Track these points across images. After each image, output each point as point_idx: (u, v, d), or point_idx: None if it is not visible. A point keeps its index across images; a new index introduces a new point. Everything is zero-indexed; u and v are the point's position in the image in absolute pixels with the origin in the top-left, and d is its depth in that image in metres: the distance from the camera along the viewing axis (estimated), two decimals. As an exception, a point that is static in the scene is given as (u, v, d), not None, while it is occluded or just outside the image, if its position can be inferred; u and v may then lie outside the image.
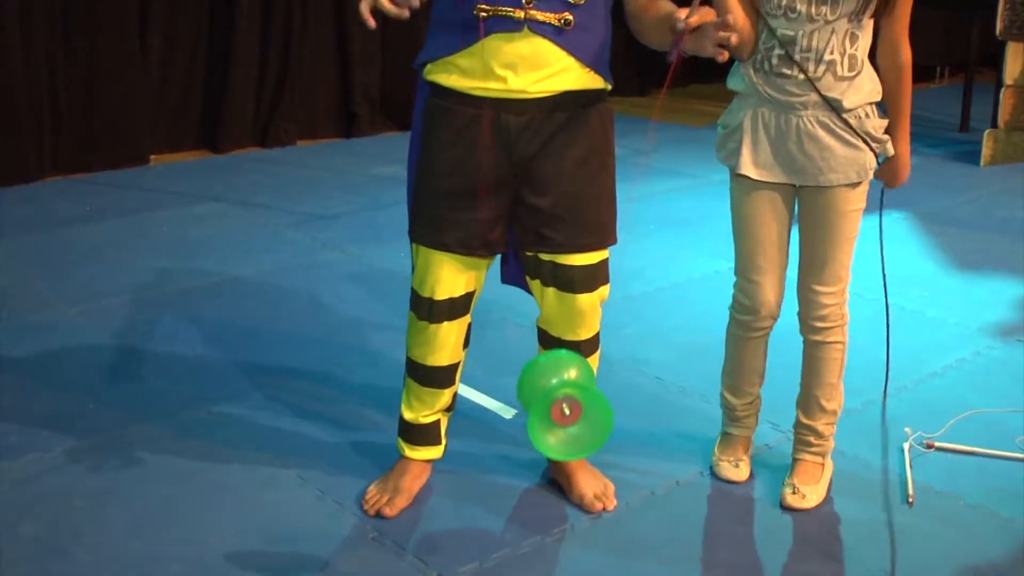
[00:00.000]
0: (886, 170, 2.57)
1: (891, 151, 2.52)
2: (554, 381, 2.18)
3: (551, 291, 2.45)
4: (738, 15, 2.35)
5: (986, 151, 6.04)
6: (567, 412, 2.13)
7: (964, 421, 3.02)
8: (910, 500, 2.66)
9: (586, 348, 2.51)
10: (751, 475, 2.76)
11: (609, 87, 2.39)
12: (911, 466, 2.80)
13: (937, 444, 2.90)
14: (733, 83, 2.54)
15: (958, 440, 2.93)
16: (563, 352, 2.33)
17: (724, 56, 2.06)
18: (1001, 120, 6.03)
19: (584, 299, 2.44)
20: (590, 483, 2.62)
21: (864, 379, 3.28)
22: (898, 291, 4.04)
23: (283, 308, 3.80)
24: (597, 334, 2.55)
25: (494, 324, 3.58)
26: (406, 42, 6.44)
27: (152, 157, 5.75)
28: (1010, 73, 5.95)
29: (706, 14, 2.04)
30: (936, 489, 2.72)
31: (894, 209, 5.10)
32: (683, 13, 2.03)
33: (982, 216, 5.10)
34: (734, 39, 2.09)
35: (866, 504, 2.65)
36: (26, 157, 5.23)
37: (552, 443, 2.19)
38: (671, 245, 4.49)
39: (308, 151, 6.14)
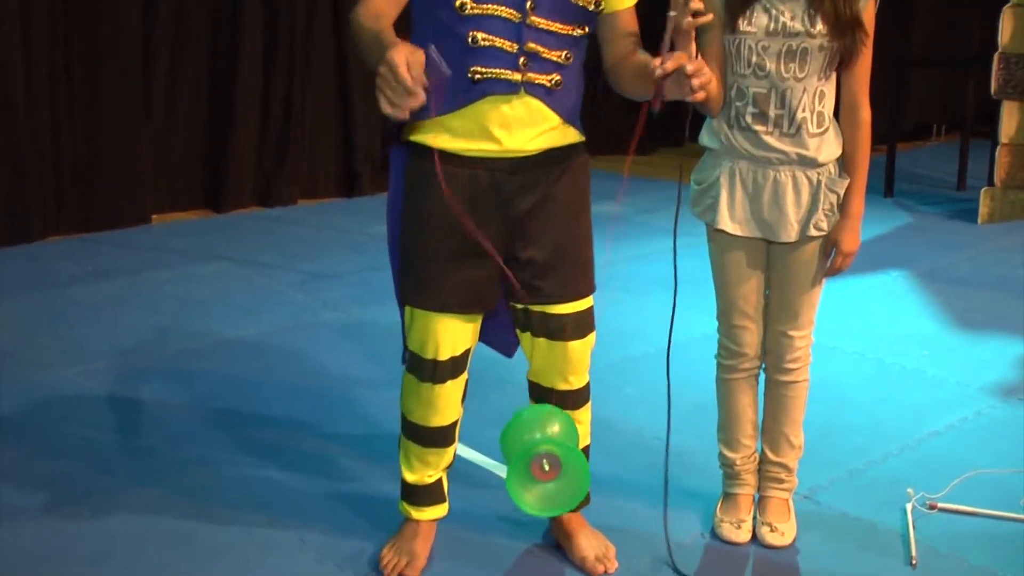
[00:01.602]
0: (838, 228, 2.58)
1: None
2: (536, 436, 2.19)
3: (542, 341, 2.48)
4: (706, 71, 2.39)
5: (983, 209, 6.07)
6: (546, 468, 2.15)
7: (967, 482, 3.01)
8: (913, 562, 2.64)
9: (579, 397, 2.55)
10: (753, 536, 2.75)
11: (584, 139, 2.44)
12: (914, 527, 2.78)
13: (940, 505, 2.89)
14: (706, 140, 2.61)
15: (961, 501, 2.91)
16: (547, 407, 2.36)
17: (702, 96, 2.10)
18: (997, 178, 6.07)
19: (575, 346, 2.48)
20: (592, 545, 2.61)
21: (865, 439, 3.27)
22: (899, 350, 4.05)
23: (283, 368, 3.80)
24: (588, 383, 2.59)
25: (490, 381, 3.58)
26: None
27: (154, 216, 5.78)
28: (1005, 132, 6.00)
29: (679, 58, 2.07)
30: (939, 551, 2.70)
31: (894, 267, 5.12)
32: (658, 61, 2.07)
33: (981, 274, 5.11)
34: (707, 85, 2.11)
35: (869, 565, 2.63)
36: (29, 217, 5.26)
37: (529, 499, 2.20)
38: (669, 305, 4.49)
39: (310, 210, 6.17)
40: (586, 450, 2.63)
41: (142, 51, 5.64)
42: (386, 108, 1.90)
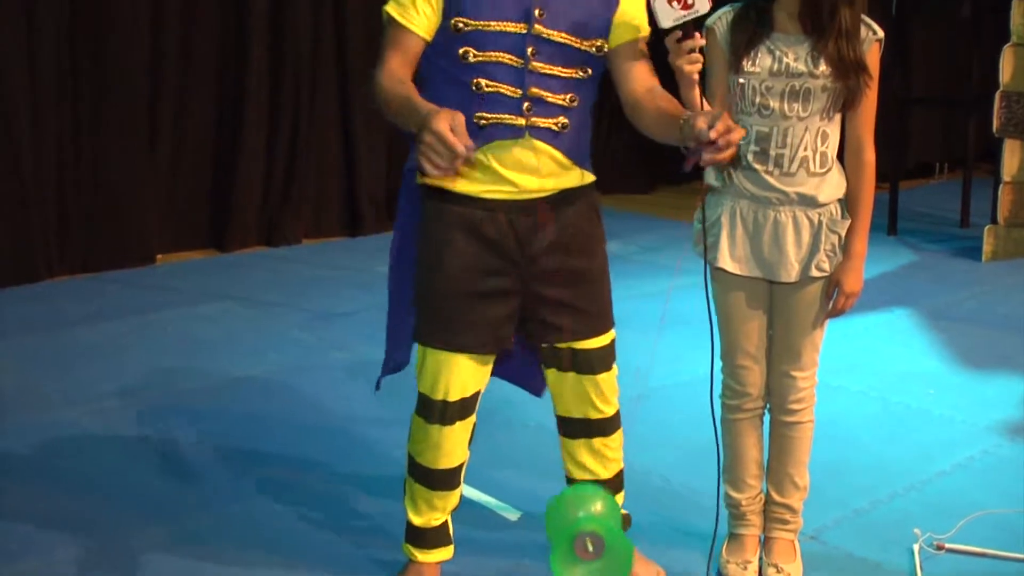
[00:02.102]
0: (841, 268, 2.59)
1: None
2: (580, 515, 2.20)
3: (570, 376, 2.51)
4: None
5: (987, 247, 6.08)
6: (590, 548, 2.16)
7: (974, 522, 2.99)
8: (922, 603, 2.63)
9: (610, 424, 2.58)
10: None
11: (594, 179, 2.47)
12: (921, 568, 2.76)
13: (948, 545, 2.87)
14: (711, 178, 2.62)
15: (968, 541, 2.90)
16: (590, 487, 2.39)
17: (730, 155, 2.09)
18: (1001, 216, 6.08)
19: (603, 378, 2.52)
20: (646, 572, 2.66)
21: (871, 478, 3.26)
22: (904, 388, 4.04)
23: (289, 408, 3.80)
24: (618, 411, 2.61)
25: (497, 423, 3.57)
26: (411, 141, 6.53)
27: (159, 256, 5.79)
28: (1007, 170, 6.02)
29: (726, 119, 2.05)
30: (948, 592, 2.69)
31: (898, 306, 5.12)
32: (702, 122, 2.04)
33: (986, 312, 5.11)
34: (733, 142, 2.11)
35: (878, 608, 2.62)
36: (34, 256, 5.27)
37: None
38: (678, 344, 4.49)
39: (314, 250, 6.19)
40: (620, 473, 2.66)
41: (148, 91, 5.67)
42: (433, 172, 1.93)
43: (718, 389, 2.75)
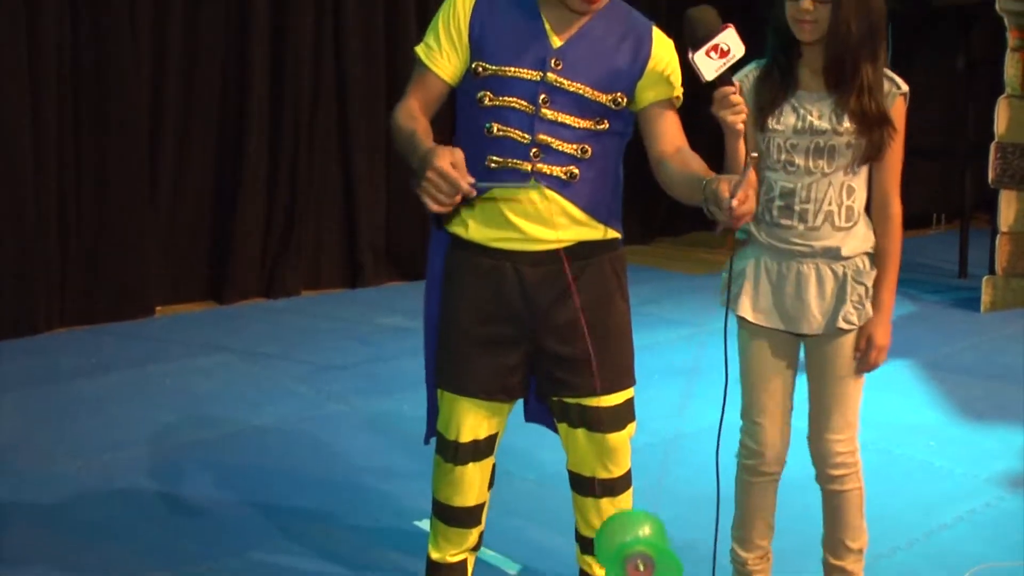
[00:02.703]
0: (870, 321, 2.58)
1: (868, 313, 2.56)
2: (629, 538, 2.20)
3: (580, 432, 2.50)
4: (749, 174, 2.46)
5: (986, 297, 6.08)
6: (641, 568, 2.15)
7: (978, 575, 2.97)
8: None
9: (619, 485, 2.56)
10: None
11: (619, 236, 2.48)
12: (926, 623, 2.74)
13: (951, 600, 2.85)
14: (739, 234, 2.63)
15: (972, 595, 2.87)
16: (640, 512, 2.37)
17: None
18: (999, 267, 6.10)
19: (613, 438, 2.50)
20: None
21: (873, 532, 3.20)
22: (905, 440, 4.02)
23: (288, 460, 3.78)
24: (629, 471, 2.59)
25: (497, 473, 3.55)
26: (410, 193, 6.54)
27: (157, 308, 5.79)
28: (1004, 220, 6.04)
29: (749, 186, 2.07)
30: (953, 647, 2.66)
31: (898, 357, 5.11)
32: (724, 189, 2.06)
33: (985, 363, 5.10)
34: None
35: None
36: (33, 309, 5.27)
37: None
38: (675, 395, 4.48)
39: (313, 301, 6.19)
40: None
41: (148, 144, 5.71)
42: (433, 207, 2.02)
43: (725, 441, 2.71)
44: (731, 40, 2.21)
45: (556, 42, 2.33)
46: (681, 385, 4.62)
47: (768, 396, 2.62)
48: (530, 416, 2.70)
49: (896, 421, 4.25)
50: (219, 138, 6.02)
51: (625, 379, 2.49)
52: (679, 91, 2.43)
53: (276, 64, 6.10)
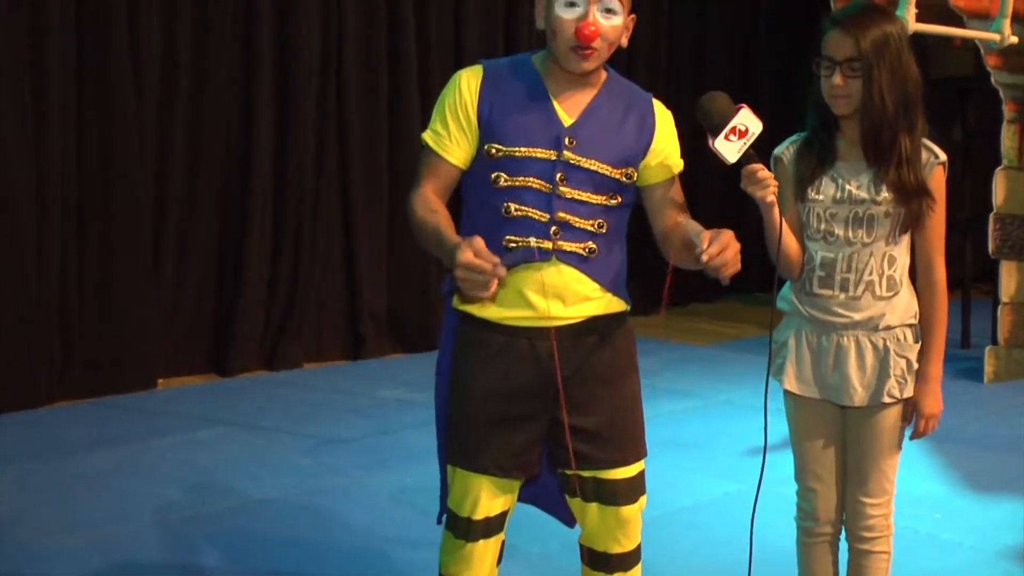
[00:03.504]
0: (917, 391, 2.60)
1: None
2: None
3: (593, 506, 2.48)
4: (789, 241, 2.53)
5: (989, 368, 6.07)
6: None
7: (988, 651, 2.93)
8: None
9: (631, 559, 2.54)
10: None
11: (628, 307, 2.49)
12: None
13: (962, 676, 2.81)
14: (780, 304, 2.66)
15: (983, 672, 2.83)
16: None
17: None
18: (1001, 338, 6.09)
19: (627, 511, 2.48)
20: None
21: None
22: (911, 513, 3.98)
23: (290, 534, 3.75)
24: (639, 545, 2.57)
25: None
26: (412, 265, 6.60)
27: (159, 381, 5.79)
28: (1006, 291, 6.06)
29: (721, 240, 2.11)
30: None
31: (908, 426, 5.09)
32: (705, 238, 2.12)
33: (990, 435, 5.08)
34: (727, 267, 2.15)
35: None
36: (35, 382, 5.27)
37: None
38: (678, 468, 4.46)
39: (315, 373, 6.18)
40: None
41: (152, 216, 5.75)
42: (477, 298, 2.08)
43: (763, 508, 2.68)
44: (747, 120, 2.26)
45: (567, 120, 2.35)
46: (683, 458, 4.60)
47: (816, 463, 2.65)
48: (522, 497, 2.63)
49: (901, 493, 4.16)
50: (222, 211, 6.07)
51: (640, 450, 2.50)
52: (680, 165, 2.47)
53: (280, 139, 6.17)
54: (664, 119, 2.45)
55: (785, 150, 2.62)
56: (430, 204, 2.30)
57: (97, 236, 5.55)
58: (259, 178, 6.08)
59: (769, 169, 2.42)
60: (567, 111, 2.36)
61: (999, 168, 6.01)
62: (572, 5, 2.27)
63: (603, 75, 2.41)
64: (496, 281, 2.01)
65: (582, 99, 2.37)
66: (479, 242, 2.01)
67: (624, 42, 2.37)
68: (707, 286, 8.49)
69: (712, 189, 7.62)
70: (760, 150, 2.33)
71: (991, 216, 6.01)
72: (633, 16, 2.38)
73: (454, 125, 2.35)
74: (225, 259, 6.09)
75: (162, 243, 5.84)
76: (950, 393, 5.97)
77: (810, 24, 2.58)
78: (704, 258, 2.10)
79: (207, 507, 4.00)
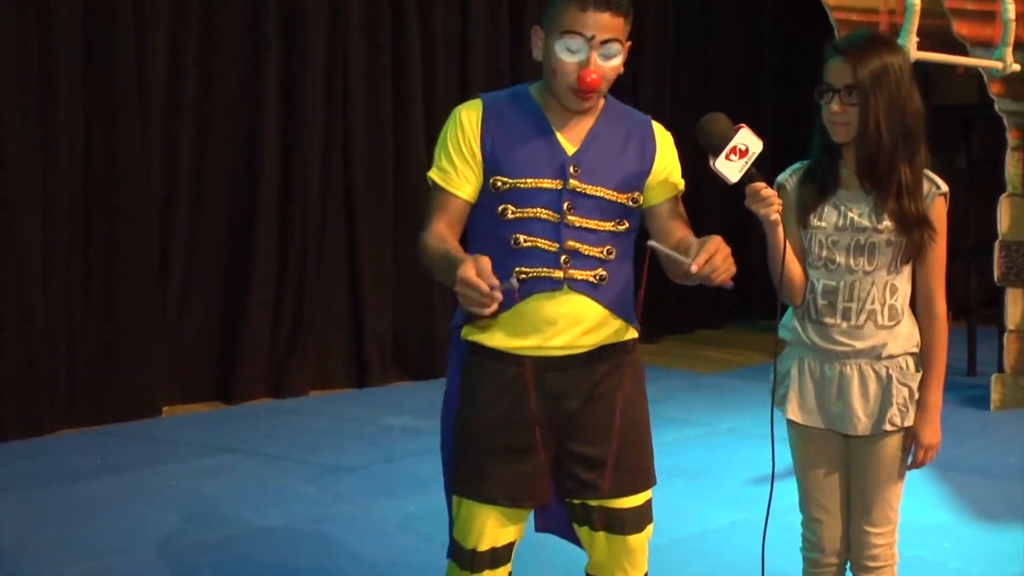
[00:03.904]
0: (917, 421, 2.59)
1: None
2: None
3: (601, 535, 2.48)
4: (792, 264, 2.53)
5: (995, 396, 6.06)
6: None
7: None
8: None
9: None
10: None
11: (637, 334, 2.49)
12: None
13: None
14: (783, 333, 2.67)
15: None
16: None
17: (723, 279, 2.18)
18: (1007, 365, 6.08)
19: (634, 539, 2.48)
20: None
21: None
22: (918, 542, 3.97)
23: (295, 562, 3.74)
24: (646, 574, 2.56)
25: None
26: (417, 293, 6.61)
27: (164, 409, 5.79)
28: (1011, 318, 6.05)
29: (709, 247, 2.13)
30: None
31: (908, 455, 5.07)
32: (694, 252, 2.13)
33: (997, 463, 5.06)
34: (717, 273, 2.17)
35: None
36: (40, 410, 5.28)
37: None
38: (683, 496, 4.45)
39: (321, 401, 6.18)
40: None
41: (158, 242, 5.78)
42: (476, 311, 2.03)
43: (772, 536, 2.68)
44: (747, 139, 2.28)
45: (570, 148, 2.36)
46: (688, 486, 4.58)
47: (821, 492, 2.65)
48: (540, 526, 2.66)
49: (908, 522, 4.15)
50: (228, 238, 6.09)
51: (649, 479, 2.50)
52: (681, 184, 2.48)
53: (285, 167, 6.19)
54: (664, 140, 2.46)
55: (788, 178, 2.63)
56: (440, 235, 2.30)
57: (102, 264, 5.57)
58: (264, 207, 6.10)
59: (781, 201, 2.43)
60: (569, 140, 2.37)
61: (1003, 195, 6.02)
62: (573, 51, 2.28)
63: (601, 101, 2.42)
64: (492, 302, 2.00)
65: (583, 127, 2.38)
66: (484, 262, 2.02)
67: (621, 68, 2.37)
68: (711, 313, 8.50)
69: (716, 215, 7.64)
70: (762, 169, 2.34)
71: (996, 243, 6.01)
72: (629, 42, 2.38)
73: (459, 160, 2.36)
74: (230, 287, 6.10)
75: (168, 272, 5.85)
76: (956, 421, 6.01)
77: (816, 49, 2.60)
78: (693, 269, 2.10)
79: (212, 535, 3.99)
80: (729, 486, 4.60)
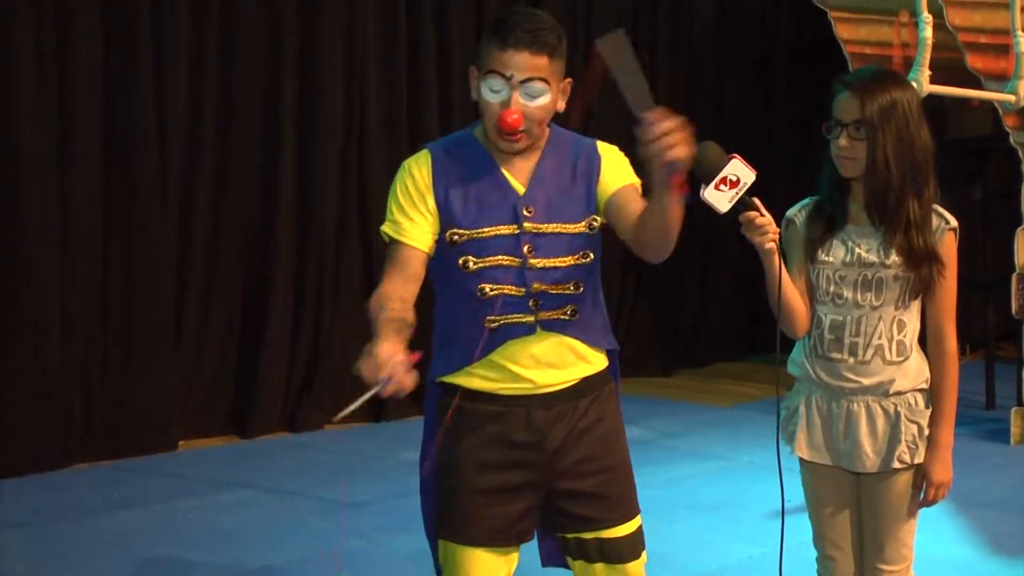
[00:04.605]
0: (927, 459, 2.56)
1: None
2: None
3: (599, 567, 2.45)
4: (791, 292, 2.52)
5: (1015, 429, 6.01)
6: None
7: None
8: None
9: None
10: None
11: (612, 355, 2.45)
12: None
13: None
14: (791, 369, 2.66)
15: None
16: None
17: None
18: (1026, 398, 6.04)
19: (633, 567, 2.46)
20: None
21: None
22: (938, 577, 3.93)
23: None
24: None
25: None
26: (431, 326, 6.60)
27: (180, 443, 5.79)
28: (1030, 352, 6.01)
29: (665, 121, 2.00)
30: None
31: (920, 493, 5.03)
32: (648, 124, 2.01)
33: (1017, 497, 5.01)
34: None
35: None
36: (55, 444, 5.29)
37: None
38: (703, 530, 4.42)
39: (337, 435, 6.17)
40: None
41: (175, 278, 5.80)
42: (365, 376, 2.02)
43: (790, 571, 2.66)
44: (738, 170, 2.25)
45: (520, 188, 2.34)
46: (708, 520, 4.55)
47: (832, 530, 2.63)
48: (547, 561, 2.62)
49: (926, 556, 4.13)
50: (244, 274, 6.11)
51: (635, 505, 2.48)
52: (635, 180, 2.40)
53: (302, 204, 6.23)
54: (609, 152, 2.42)
55: (798, 212, 2.63)
56: (385, 296, 2.23)
57: (119, 298, 5.60)
58: (281, 242, 6.13)
59: (779, 229, 2.42)
60: (518, 179, 2.35)
61: (1020, 228, 6.00)
62: (495, 91, 2.26)
63: (545, 133, 2.38)
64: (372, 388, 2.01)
65: (528, 164, 2.36)
66: (396, 360, 1.99)
67: (561, 106, 2.34)
68: (727, 346, 8.47)
69: (729, 252, 7.63)
70: (770, 201, 2.33)
71: (1013, 276, 5.98)
72: (568, 80, 2.35)
73: (411, 209, 2.32)
74: (247, 321, 6.12)
75: (184, 305, 5.87)
76: (975, 455, 5.96)
77: (829, 84, 2.59)
78: (650, 146, 1.97)
79: (228, 570, 3.98)
80: (749, 520, 4.57)
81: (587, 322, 2.39)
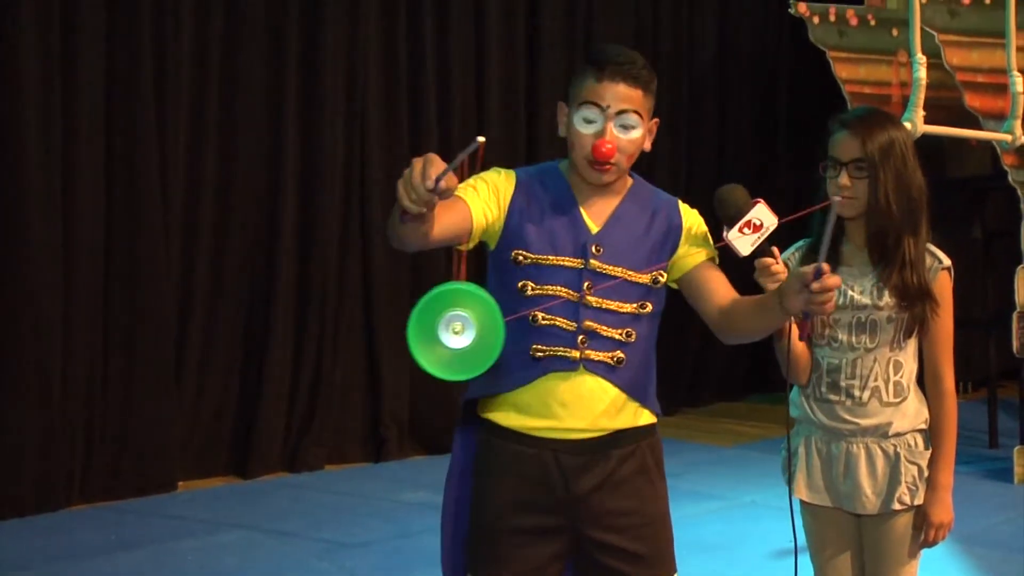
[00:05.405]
0: (927, 500, 2.55)
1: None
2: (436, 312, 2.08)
3: None
4: (797, 344, 2.49)
5: (1019, 468, 5.98)
6: (460, 329, 2.04)
7: None
8: None
9: None
10: None
11: (655, 420, 2.44)
12: None
13: None
14: (792, 410, 2.64)
15: None
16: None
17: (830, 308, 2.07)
18: (1030, 437, 6.02)
19: None
20: None
21: None
22: (943, 619, 3.90)
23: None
24: None
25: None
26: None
27: (180, 483, 5.76)
28: (1032, 390, 6.00)
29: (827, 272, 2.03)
30: None
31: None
32: (808, 270, 2.03)
33: (1020, 537, 4.97)
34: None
35: None
36: (55, 485, 5.26)
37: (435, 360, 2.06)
38: (704, 571, 4.39)
39: (337, 476, 6.14)
40: None
41: (176, 316, 5.79)
42: (403, 201, 1.95)
43: None
44: (762, 215, 2.27)
45: (594, 227, 2.35)
46: (708, 561, 4.52)
47: (834, 571, 2.62)
48: None
49: (932, 598, 4.13)
50: (246, 312, 6.11)
51: (671, 564, 2.44)
52: (715, 252, 2.42)
53: (303, 244, 6.24)
54: (691, 215, 2.44)
55: (791, 256, 2.63)
56: None
57: (120, 340, 5.58)
58: (282, 282, 6.13)
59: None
60: (593, 218, 2.36)
61: (1020, 266, 6.00)
62: (590, 122, 2.29)
63: (628, 181, 2.41)
64: (420, 203, 1.93)
65: (608, 205, 2.38)
66: (439, 166, 1.92)
67: (647, 146, 2.37)
68: (729, 386, 8.46)
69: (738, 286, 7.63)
70: (777, 245, 2.33)
71: (1014, 314, 5.98)
72: (656, 120, 2.39)
73: (485, 189, 2.31)
74: (247, 362, 6.11)
75: (184, 346, 5.86)
76: (979, 494, 5.92)
77: (827, 126, 2.60)
78: (815, 287, 2.00)
79: (226, 613, 3.95)
80: (750, 560, 4.54)
81: (633, 375, 2.36)
